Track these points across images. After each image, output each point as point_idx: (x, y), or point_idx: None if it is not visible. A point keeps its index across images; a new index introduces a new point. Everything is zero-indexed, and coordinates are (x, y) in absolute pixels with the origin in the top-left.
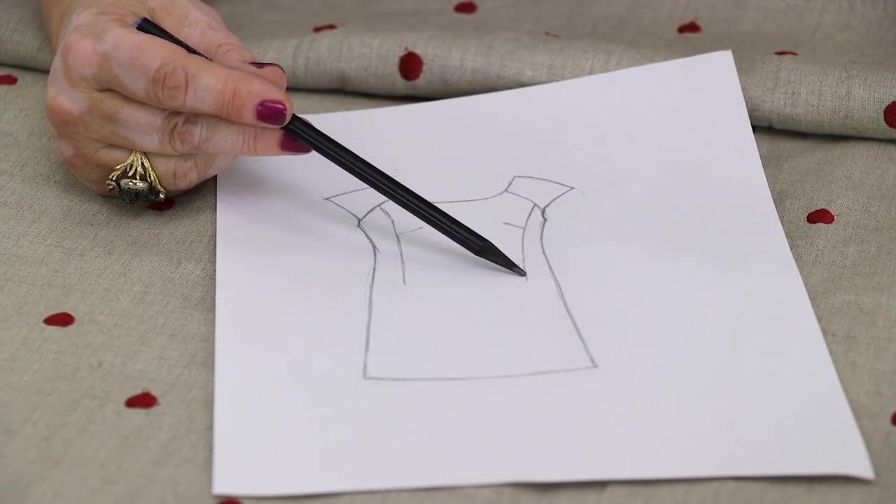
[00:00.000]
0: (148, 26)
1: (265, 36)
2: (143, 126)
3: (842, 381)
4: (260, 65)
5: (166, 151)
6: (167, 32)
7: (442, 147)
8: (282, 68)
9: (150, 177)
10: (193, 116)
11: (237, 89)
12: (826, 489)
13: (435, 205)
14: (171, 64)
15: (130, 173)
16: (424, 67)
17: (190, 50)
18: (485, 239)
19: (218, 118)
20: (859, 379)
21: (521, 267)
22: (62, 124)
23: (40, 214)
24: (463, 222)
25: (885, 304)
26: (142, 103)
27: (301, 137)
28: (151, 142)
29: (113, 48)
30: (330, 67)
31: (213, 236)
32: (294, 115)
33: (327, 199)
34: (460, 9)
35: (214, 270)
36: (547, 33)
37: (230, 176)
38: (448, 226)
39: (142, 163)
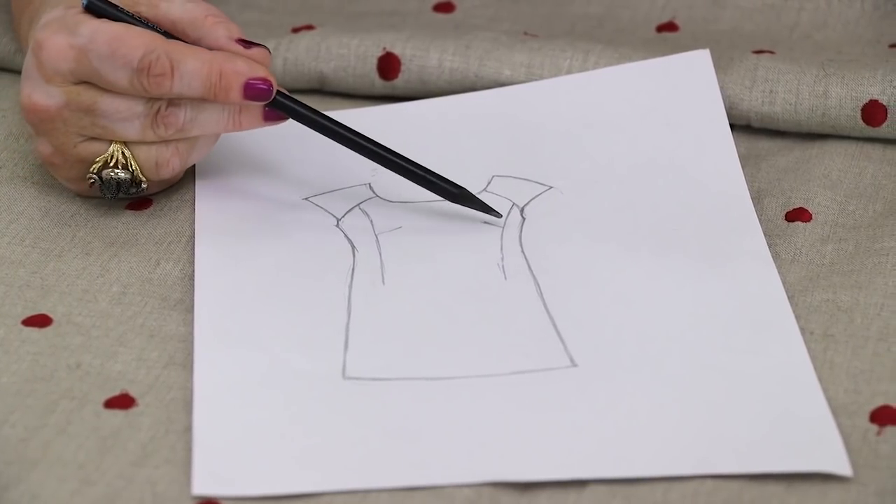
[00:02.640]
0: (98, 3)
1: None
2: (124, 114)
3: (820, 379)
4: (247, 44)
5: (148, 138)
6: (121, 9)
7: (420, 147)
8: (268, 49)
9: (131, 166)
10: (176, 99)
11: (223, 70)
12: (805, 487)
13: (413, 160)
14: (155, 52)
15: (111, 163)
16: (403, 67)
17: (162, 33)
18: (461, 186)
19: (202, 99)
20: (837, 377)
21: (499, 213)
22: (39, 122)
23: (18, 215)
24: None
25: (862, 302)
26: (120, 92)
27: (285, 110)
28: (132, 129)
29: (90, 41)
30: (308, 68)
31: (192, 237)
32: (279, 91)
33: (306, 198)
34: (438, 8)
35: (193, 271)
36: (525, 33)
37: (209, 176)
38: (428, 177)
39: (122, 152)
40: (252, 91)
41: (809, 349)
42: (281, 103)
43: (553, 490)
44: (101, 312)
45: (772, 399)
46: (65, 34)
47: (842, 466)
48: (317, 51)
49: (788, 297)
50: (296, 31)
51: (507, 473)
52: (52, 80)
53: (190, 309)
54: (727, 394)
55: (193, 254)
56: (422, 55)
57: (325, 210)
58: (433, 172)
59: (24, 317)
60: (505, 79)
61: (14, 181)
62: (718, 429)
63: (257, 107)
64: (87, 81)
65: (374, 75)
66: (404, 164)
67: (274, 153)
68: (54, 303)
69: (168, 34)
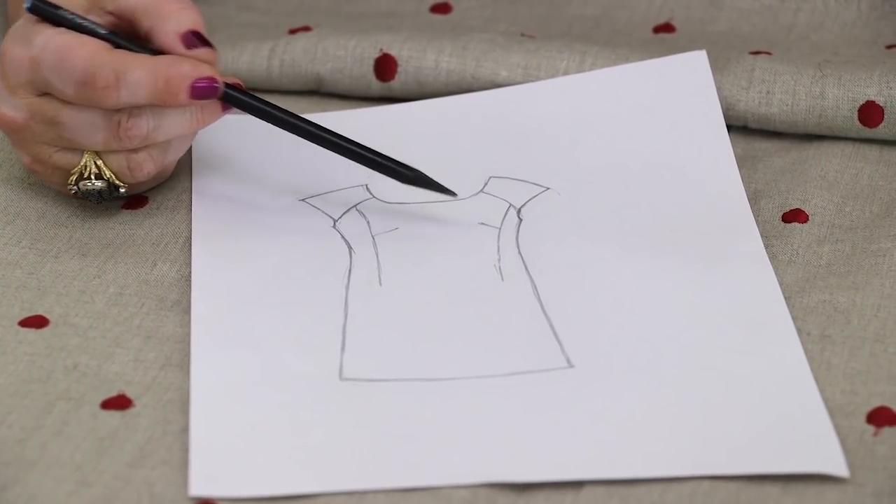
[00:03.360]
0: (42, 6)
1: (240, 38)
2: (86, 127)
3: (817, 380)
4: (193, 41)
5: (113, 148)
6: (64, 10)
7: (417, 148)
8: (213, 47)
9: (105, 174)
10: (137, 109)
11: (168, 75)
12: (802, 488)
13: (364, 144)
14: (98, 63)
15: (86, 174)
16: (399, 69)
17: (108, 40)
18: (415, 168)
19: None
20: (834, 378)
21: (454, 192)
22: (11, 133)
23: (15, 217)
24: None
25: (859, 304)
26: (79, 104)
27: (237, 104)
28: (97, 140)
29: (41, 51)
30: (305, 70)
31: (189, 238)
32: (227, 84)
33: (303, 200)
34: (435, 10)
35: (190, 272)
36: (522, 34)
37: (205, 177)
38: (381, 161)
39: (94, 162)
40: (199, 91)
41: (806, 350)
42: (232, 97)
43: (550, 491)
44: (98, 313)
45: (769, 400)
46: (23, 45)
47: (839, 467)
48: (313, 52)
49: (785, 298)
50: (293, 32)
51: (503, 474)
52: (16, 92)
53: (187, 310)
54: (724, 394)
55: (190, 255)
56: (419, 56)
57: (322, 211)
58: (385, 156)
59: (20, 318)
60: (502, 80)
61: (10, 183)
62: (715, 429)
63: (214, 101)
64: (48, 93)
65: (371, 76)
66: (356, 149)
67: (271, 154)
68: (51, 304)
69: (119, 36)
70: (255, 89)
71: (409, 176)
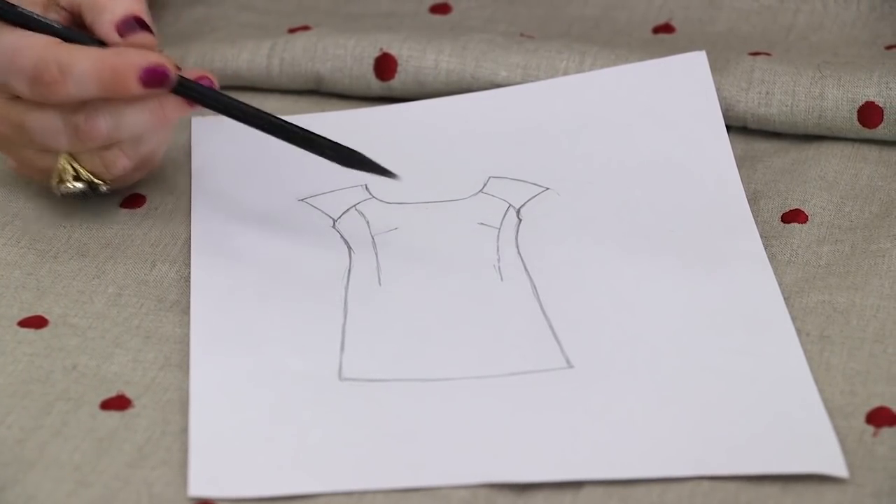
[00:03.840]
0: None
1: (239, 37)
2: (48, 130)
3: (816, 380)
4: (131, 28)
5: (78, 150)
6: (15, 6)
7: (417, 148)
8: (152, 32)
9: (83, 175)
10: (93, 110)
11: (114, 66)
12: (801, 488)
13: (307, 129)
14: (44, 59)
15: (66, 177)
16: (399, 68)
17: (63, 35)
18: (354, 150)
19: (118, 103)
20: (834, 378)
21: (395, 174)
22: None
23: (13, 217)
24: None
25: (858, 304)
26: (39, 106)
27: (189, 96)
28: (62, 142)
29: None
30: (304, 69)
31: (188, 238)
32: (179, 76)
33: (302, 200)
34: (435, 10)
35: (189, 272)
36: (522, 34)
37: (204, 177)
38: (322, 146)
39: (70, 164)
40: (150, 78)
41: (806, 350)
42: (185, 88)
43: (549, 491)
44: (98, 314)
45: (768, 400)
46: None
47: (838, 468)
48: (313, 51)
49: (784, 299)
50: (292, 31)
51: (503, 474)
52: None
53: (186, 310)
54: (723, 395)
55: (189, 255)
56: (418, 56)
57: (322, 211)
58: (323, 137)
59: (19, 318)
60: (501, 80)
61: (8, 183)
62: (715, 430)
63: (176, 96)
64: (16, 97)
65: (371, 76)
66: (293, 129)
67: (270, 154)
68: (50, 304)
69: (74, 31)
70: (254, 88)
71: (349, 158)
